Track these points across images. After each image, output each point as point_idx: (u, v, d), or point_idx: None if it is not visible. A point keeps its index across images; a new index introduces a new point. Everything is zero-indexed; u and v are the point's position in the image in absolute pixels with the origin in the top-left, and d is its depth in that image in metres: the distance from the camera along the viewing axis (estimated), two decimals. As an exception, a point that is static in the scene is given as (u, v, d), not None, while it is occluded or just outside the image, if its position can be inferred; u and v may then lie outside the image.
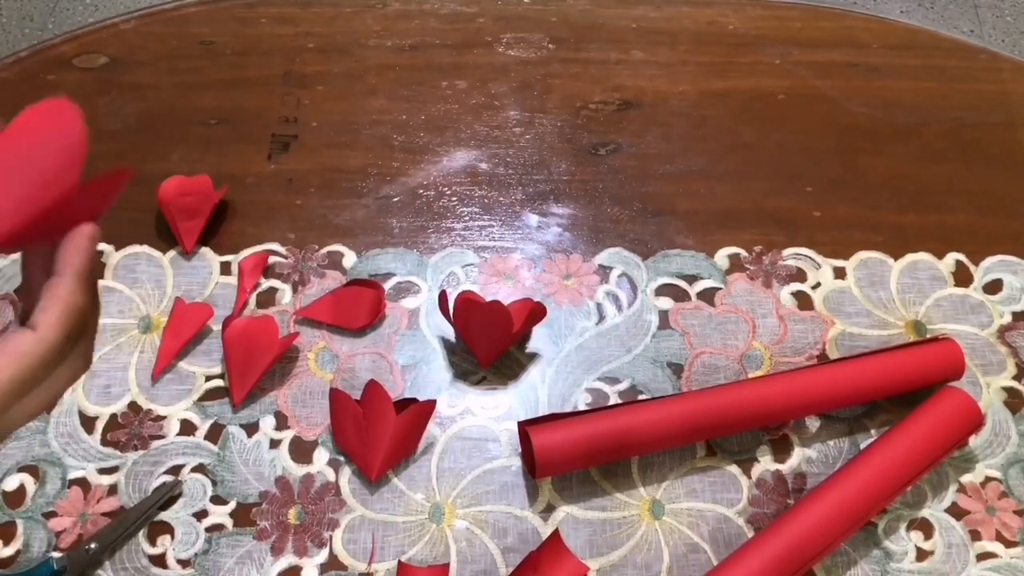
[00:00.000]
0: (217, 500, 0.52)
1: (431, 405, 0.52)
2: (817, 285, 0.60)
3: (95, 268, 0.38)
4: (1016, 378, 0.57)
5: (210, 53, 0.70)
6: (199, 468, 0.53)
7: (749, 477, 0.53)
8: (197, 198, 0.60)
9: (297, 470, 0.53)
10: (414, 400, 0.53)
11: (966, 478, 0.54)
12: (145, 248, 0.61)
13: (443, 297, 0.56)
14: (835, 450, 0.54)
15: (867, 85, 0.70)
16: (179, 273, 0.60)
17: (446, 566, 0.50)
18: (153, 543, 0.50)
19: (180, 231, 0.60)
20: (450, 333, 0.58)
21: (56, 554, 0.49)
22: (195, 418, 0.54)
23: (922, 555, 0.51)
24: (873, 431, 0.55)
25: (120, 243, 0.61)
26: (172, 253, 0.61)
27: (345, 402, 0.53)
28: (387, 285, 0.60)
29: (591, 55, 0.72)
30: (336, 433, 0.53)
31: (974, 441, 0.55)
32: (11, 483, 0.52)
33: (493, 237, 0.62)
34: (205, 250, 0.61)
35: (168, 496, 0.51)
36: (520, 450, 0.54)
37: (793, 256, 0.62)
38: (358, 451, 0.52)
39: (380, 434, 0.51)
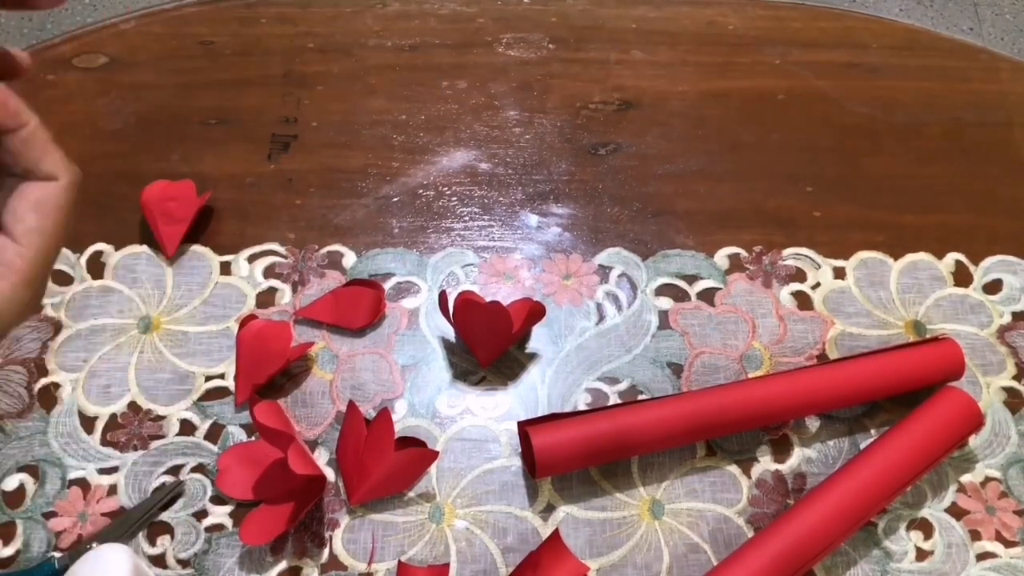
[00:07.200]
0: (217, 500, 0.52)
1: (433, 455, 0.52)
2: (817, 285, 0.60)
3: None
4: (1016, 378, 0.57)
5: (210, 53, 0.70)
6: (199, 468, 0.53)
7: (749, 477, 0.53)
8: (180, 203, 0.60)
9: (297, 470, 0.53)
10: (422, 443, 0.52)
11: (966, 478, 0.54)
12: (145, 248, 0.61)
13: (443, 297, 0.56)
14: (835, 450, 0.54)
15: (867, 85, 0.70)
16: (179, 273, 0.60)
17: (446, 566, 0.50)
18: (153, 543, 0.50)
19: (162, 236, 0.60)
20: (450, 333, 0.58)
21: (56, 554, 0.49)
22: (195, 418, 0.54)
23: (922, 555, 0.51)
24: (873, 431, 0.55)
25: (120, 243, 0.61)
26: (172, 253, 0.61)
27: (355, 419, 0.52)
28: (387, 285, 0.60)
29: (591, 55, 0.72)
30: (340, 444, 0.53)
31: (974, 441, 0.55)
32: (11, 483, 0.52)
33: (493, 237, 0.62)
34: (205, 250, 0.61)
35: (170, 496, 0.51)
36: (520, 450, 0.54)
37: (793, 256, 0.62)
38: (350, 471, 0.52)
39: (374, 464, 0.51)
